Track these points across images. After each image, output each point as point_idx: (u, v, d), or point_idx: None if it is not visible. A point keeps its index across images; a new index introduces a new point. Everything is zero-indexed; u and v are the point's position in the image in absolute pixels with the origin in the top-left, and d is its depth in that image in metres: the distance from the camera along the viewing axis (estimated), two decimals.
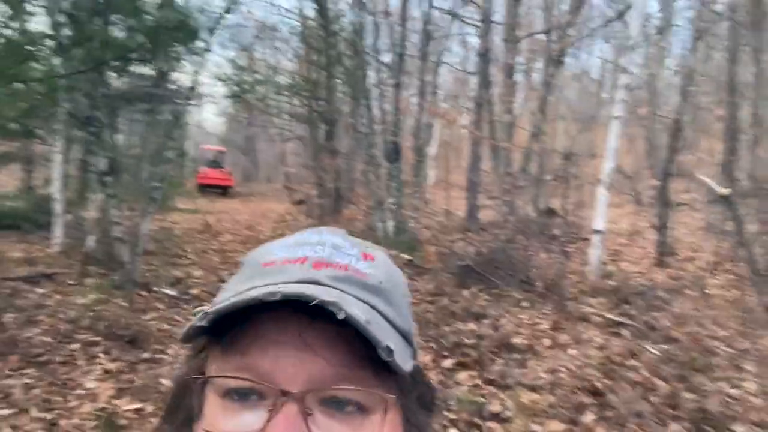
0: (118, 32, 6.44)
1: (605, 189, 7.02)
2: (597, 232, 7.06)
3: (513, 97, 12.07)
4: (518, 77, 13.73)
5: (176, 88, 6.84)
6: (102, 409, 3.15)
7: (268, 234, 11.38)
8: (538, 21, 17.66)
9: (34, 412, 3.05)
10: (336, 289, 0.42)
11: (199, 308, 0.43)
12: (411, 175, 10.39)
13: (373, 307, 0.43)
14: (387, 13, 10.44)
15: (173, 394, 0.49)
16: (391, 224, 9.36)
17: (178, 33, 6.29)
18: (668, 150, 7.59)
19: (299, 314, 0.40)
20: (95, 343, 4.04)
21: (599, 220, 7.07)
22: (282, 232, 11.41)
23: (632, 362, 3.94)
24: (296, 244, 0.48)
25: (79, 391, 3.37)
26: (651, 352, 4.08)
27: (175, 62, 6.36)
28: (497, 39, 13.10)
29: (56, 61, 5.58)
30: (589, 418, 3.09)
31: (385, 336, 0.39)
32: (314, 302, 0.37)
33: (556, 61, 11.92)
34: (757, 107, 9.21)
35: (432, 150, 19.86)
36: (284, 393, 0.39)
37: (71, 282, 5.51)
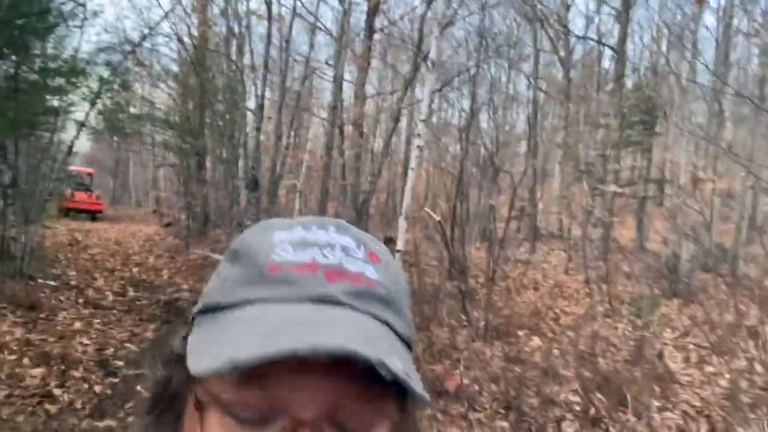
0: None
1: (404, 220, 9.58)
2: (398, 251, 9.55)
3: (359, 144, 14.66)
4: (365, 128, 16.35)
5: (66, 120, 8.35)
6: (17, 338, 4.79)
7: (136, 249, 12.73)
8: (387, 82, 20.78)
9: None
10: (353, 307, 0.41)
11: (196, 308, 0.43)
12: (267, 202, 12.39)
13: (386, 323, 0.43)
14: (253, 68, 12.56)
15: (155, 395, 0.48)
16: None
17: (72, 76, 7.93)
18: (454, 193, 10.38)
19: None
20: (3, 308, 5.57)
21: (400, 242, 9.58)
22: (150, 249, 12.86)
23: None
24: (302, 243, 0.45)
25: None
26: None
27: (66, 100, 7.93)
28: (349, 95, 15.73)
29: None
30: None
31: (414, 375, 0.40)
32: (365, 362, 0.36)
33: (395, 117, 14.82)
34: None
35: (299, 184, 22.09)
36: (300, 421, 0.39)
37: None
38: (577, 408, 4.03)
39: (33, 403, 3.55)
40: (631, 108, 17.49)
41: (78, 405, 3.62)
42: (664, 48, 18.02)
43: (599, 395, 4.33)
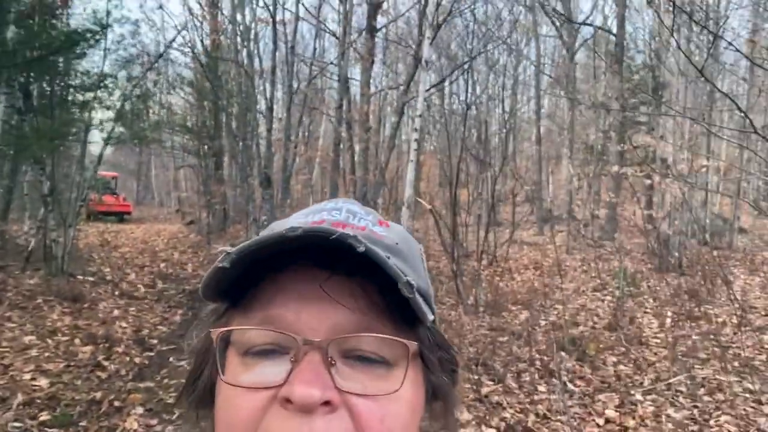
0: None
1: (406, 208, 10.29)
2: None
3: (366, 140, 15.37)
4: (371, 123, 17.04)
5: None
6: (67, 325, 5.64)
7: (162, 246, 13.67)
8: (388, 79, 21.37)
9: (28, 326, 5.48)
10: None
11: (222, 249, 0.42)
12: (280, 198, 13.20)
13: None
14: (262, 72, 13.32)
15: (195, 362, 0.49)
16: None
17: (97, 91, 8.80)
18: (450, 183, 11.04)
19: (319, 268, 0.42)
20: (51, 300, 6.44)
21: None
22: (174, 246, 13.77)
23: None
24: (312, 212, 0.48)
25: (49, 320, 5.80)
26: None
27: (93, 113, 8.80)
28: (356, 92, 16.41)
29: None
30: None
31: (405, 275, 0.40)
32: (334, 236, 0.37)
33: (399, 112, 15.47)
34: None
35: (313, 179, 22.94)
36: (307, 342, 0.39)
37: (17, 271, 7.72)
38: (539, 364, 4.72)
39: (87, 371, 4.38)
40: (633, 89, 17.87)
41: (122, 372, 4.44)
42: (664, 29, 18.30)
43: (563, 353, 5.02)
